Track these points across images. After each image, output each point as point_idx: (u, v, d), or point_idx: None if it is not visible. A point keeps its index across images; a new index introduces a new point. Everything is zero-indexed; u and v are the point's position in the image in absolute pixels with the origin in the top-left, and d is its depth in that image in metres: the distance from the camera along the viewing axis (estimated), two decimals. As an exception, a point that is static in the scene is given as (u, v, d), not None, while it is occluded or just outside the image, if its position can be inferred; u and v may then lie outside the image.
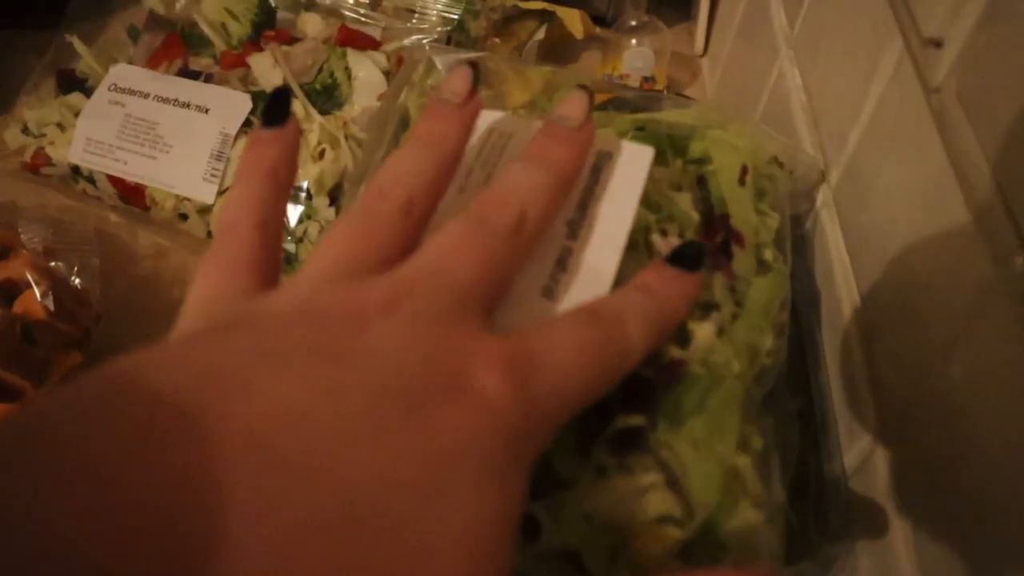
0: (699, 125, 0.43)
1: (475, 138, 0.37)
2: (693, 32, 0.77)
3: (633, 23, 0.67)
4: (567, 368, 0.21)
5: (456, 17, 0.59)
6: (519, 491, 0.19)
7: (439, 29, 0.59)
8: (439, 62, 0.48)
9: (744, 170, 0.39)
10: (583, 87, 0.29)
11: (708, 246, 0.33)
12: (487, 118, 0.37)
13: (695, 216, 0.36)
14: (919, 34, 0.31)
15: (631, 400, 0.30)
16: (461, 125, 0.27)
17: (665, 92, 0.59)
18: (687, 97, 0.62)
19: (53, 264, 0.47)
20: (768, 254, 0.37)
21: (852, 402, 0.38)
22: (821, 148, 0.45)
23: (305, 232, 0.53)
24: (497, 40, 0.67)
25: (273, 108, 0.26)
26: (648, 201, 0.36)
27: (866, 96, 0.40)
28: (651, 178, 0.38)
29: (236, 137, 0.53)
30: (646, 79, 0.68)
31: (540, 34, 0.68)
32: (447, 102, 0.27)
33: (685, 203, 0.37)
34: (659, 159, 0.40)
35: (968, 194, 0.29)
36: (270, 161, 0.25)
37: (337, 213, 0.53)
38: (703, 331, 0.33)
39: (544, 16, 0.69)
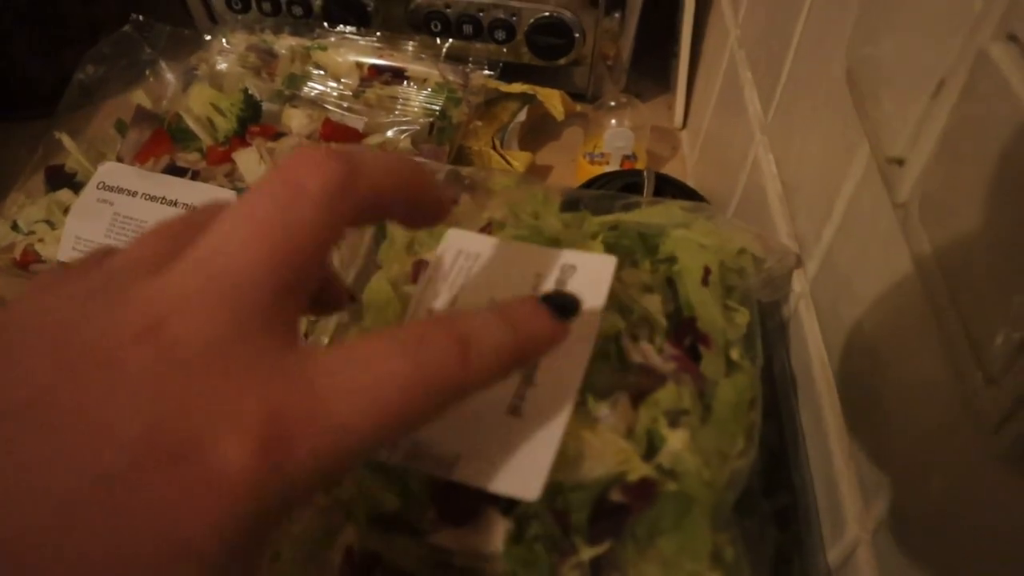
0: (667, 224, 0.44)
1: (445, 258, 0.38)
2: (672, 105, 0.79)
3: (612, 103, 0.69)
4: (355, 419, 0.18)
5: (438, 108, 0.61)
6: None
7: (421, 120, 0.60)
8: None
9: (707, 271, 0.40)
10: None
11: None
12: (455, 239, 0.38)
13: (663, 321, 0.37)
14: (883, 151, 0.32)
15: (602, 525, 0.30)
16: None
17: (645, 173, 0.60)
18: (667, 180, 0.63)
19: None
20: (736, 354, 0.38)
21: (834, 498, 0.39)
22: (797, 239, 0.46)
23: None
24: (479, 123, 0.68)
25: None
26: (619, 304, 0.37)
27: (838, 195, 0.41)
28: (621, 280, 0.39)
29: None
30: (627, 157, 0.69)
31: (522, 116, 0.70)
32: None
33: (654, 306, 0.38)
34: (631, 262, 0.41)
35: (932, 305, 0.30)
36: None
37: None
38: (675, 438, 0.33)
39: (525, 99, 0.70)
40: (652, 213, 0.46)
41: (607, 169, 0.69)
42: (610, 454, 0.31)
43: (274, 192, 0.20)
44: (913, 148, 0.31)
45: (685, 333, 0.37)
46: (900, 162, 0.31)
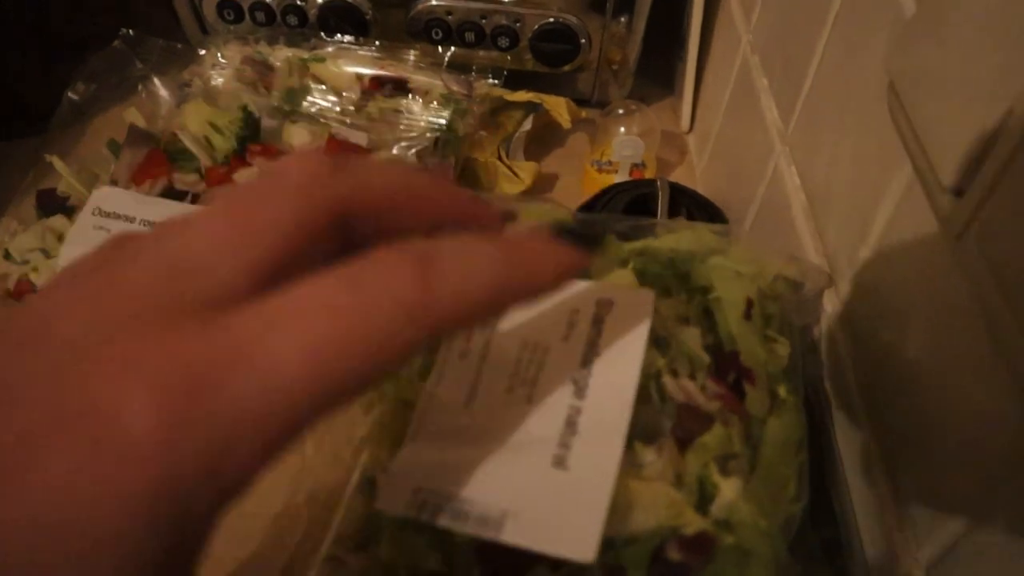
0: (699, 250, 0.42)
1: (510, 350, 0.34)
2: (678, 109, 0.77)
3: (620, 111, 0.67)
4: (285, 363, 0.16)
5: (444, 122, 0.59)
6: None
7: (428, 134, 0.58)
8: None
9: (750, 304, 0.38)
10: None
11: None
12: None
13: (705, 357, 0.35)
14: (938, 182, 0.31)
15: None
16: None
17: (659, 183, 0.58)
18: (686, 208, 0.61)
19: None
20: (782, 390, 0.36)
21: (878, 529, 0.37)
22: (827, 257, 0.45)
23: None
24: (484, 133, 0.66)
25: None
26: (655, 339, 0.35)
27: (875, 214, 0.39)
28: (656, 313, 0.37)
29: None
30: (636, 165, 0.67)
31: (527, 125, 0.68)
32: None
33: (693, 340, 0.36)
34: (663, 289, 0.39)
35: (994, 337, 0.28)
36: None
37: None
38: (728, 487, 0.31)
39: (530, 107, 0.68)
40: (682, 238, 0.44)
41: (616, 178, 0.67)
42: (662, 505, 0.30)
43: (256, 183, 0.19)
44: (973, 179, 0.29)
45: (728, 369, 0.35)
46: (958, 193, 0.30)
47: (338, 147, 0.56)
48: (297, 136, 0.57)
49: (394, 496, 0.29)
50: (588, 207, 0.61)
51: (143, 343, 0.16)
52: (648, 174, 0.68)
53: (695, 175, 0.72)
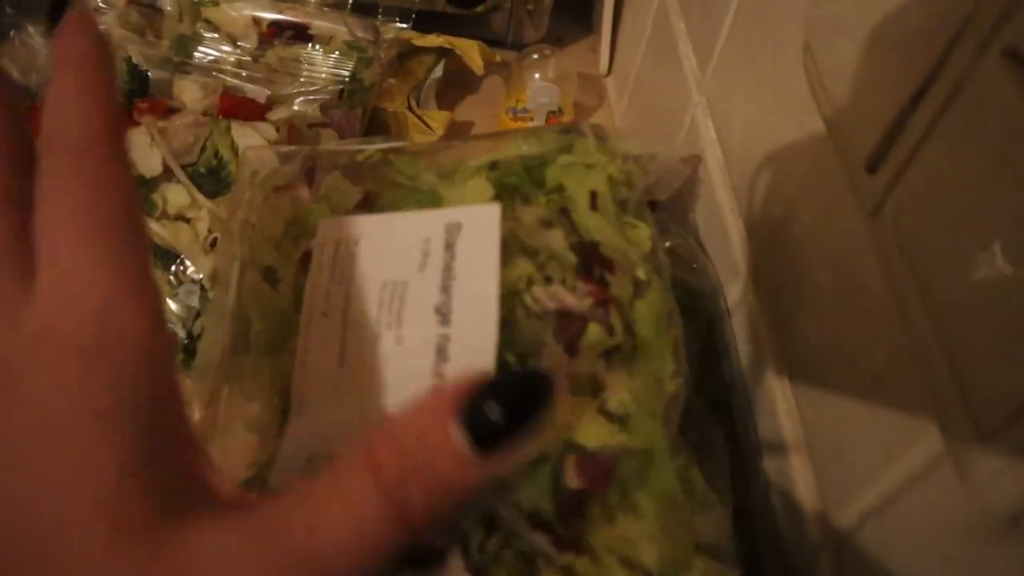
0: (547, 152, 0.41)
1: (323, 253, 0.35)
2: (596, 49, 0.75)
3: (535, 56, 0.64)
4: None
5: (347, 74, 0.55)
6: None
7: (331, 88, 0.55)
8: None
9: (593, 195, 0.38)
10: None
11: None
12: (328, 229, 0.36)
13: (571, 257, 0.35)
14: (853, 158, 0.30)
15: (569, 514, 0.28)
16: None
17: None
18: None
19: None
20: (642, 272, 0.36)
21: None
22: (742, 216, 0.44)
23: (203, 328, 0.48)
24: (392, 81, 0.63)
25: None
26: (524, 248, 0.35)
27: (790, 178, 0.38)
28: (519, 221, 0.37)
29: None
30: (552, 113, 0.65)
31: (438, 72, 0.65)
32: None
33: (559, 242, 0.36)
34: (521, 196, 0.38)
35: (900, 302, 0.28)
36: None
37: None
38: (616, 381, 0.32)
39: (441, 52, 0.65)
40: (528, 143, 0.43)
41: (532, 127, 0.65)
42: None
43: None
44: (887, 156, 0.28)
45: (592, 263, 0.35)
46: (872, 169, 0.29)
47: (233, 103, 0.52)
48: (188, 91, 0.53)
49: (289, 471, 0.29)
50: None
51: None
52: (565, 119, 0.66)
53: (614, 120, 0.70)
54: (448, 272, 0.32)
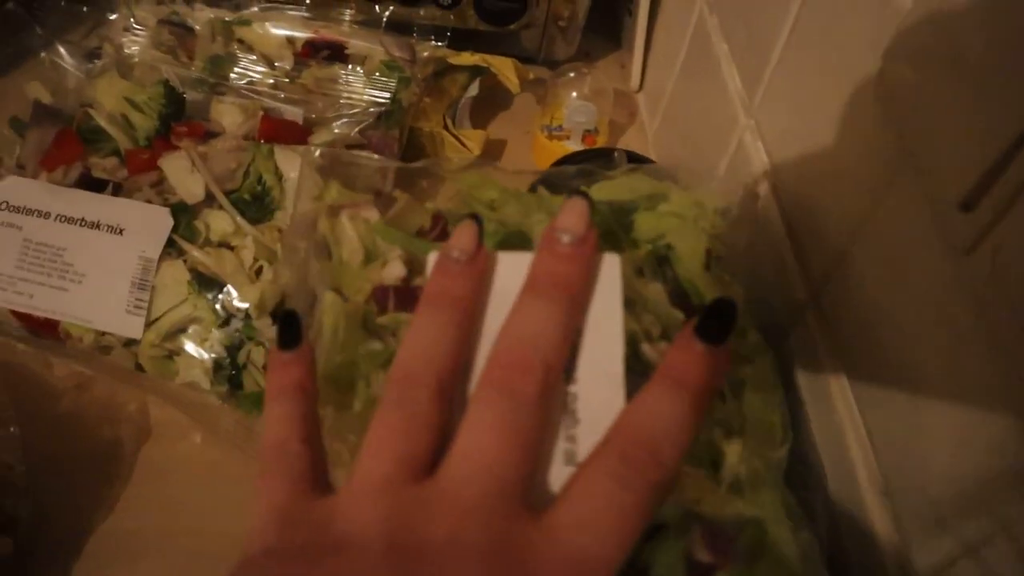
0: (637, 198, 0.41)
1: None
2: (627, 66, 0.74)
3: (572, 74, 0.64)
4: (610, 543, 0.22)
5: (388, 96, 0.54)
6: None
7: (371, 110, 0.54)
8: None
9: (709, 254, 0.38)
10: (582, 194, 0.28)
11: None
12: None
13: (677, 315, 0.34)
14: (942, 194, 0.29)
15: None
16: (474, 283, 0.27)
17: (616, 154, 0.56)
18: (633, 156, 0.58)
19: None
20: (751, 334, 0.37)
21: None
22: (801, 254, 0.43)
23: (249, 356, 0.47)
24: (427, 100, 0.62)
25: (287, 332, 0.28)
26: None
27: (864, 214, 0.37)
28: None
29: (160, 260, 0.47)
30: (588, 131, 0.64)
31: (473, 90, 0.64)
32: (456, 260, 0.27)
33: (660, 296, 0.36)
34: (610, 241, 0.38)
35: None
36: (296, 379, 0.27)
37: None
38: (732, 451, 0.32)
39: (476, 71, 0.64)
40: (618, 187, 0.42)
41: (568, 145, 0.64)
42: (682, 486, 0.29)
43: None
44: (987, 193, 0.27)
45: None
46: (967, 208, 0.28)
47: (274, 127, 0.51)
48: (228, 115, 0.52)
49: None
50: (540, 182, 0.58)
51: (521, 546, 0.22)
52: (600, 139, 0.65)
53: (647, 137, 0.70)
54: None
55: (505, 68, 0.64)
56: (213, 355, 0.47)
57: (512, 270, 0.31)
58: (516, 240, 0.39)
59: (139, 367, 0.48)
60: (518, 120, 0.69)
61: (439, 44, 0.61)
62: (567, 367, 0.31)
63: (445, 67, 0.63)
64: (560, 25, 0.68)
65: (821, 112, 0.41)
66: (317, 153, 0.42)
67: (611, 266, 0.31)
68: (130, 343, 0.48)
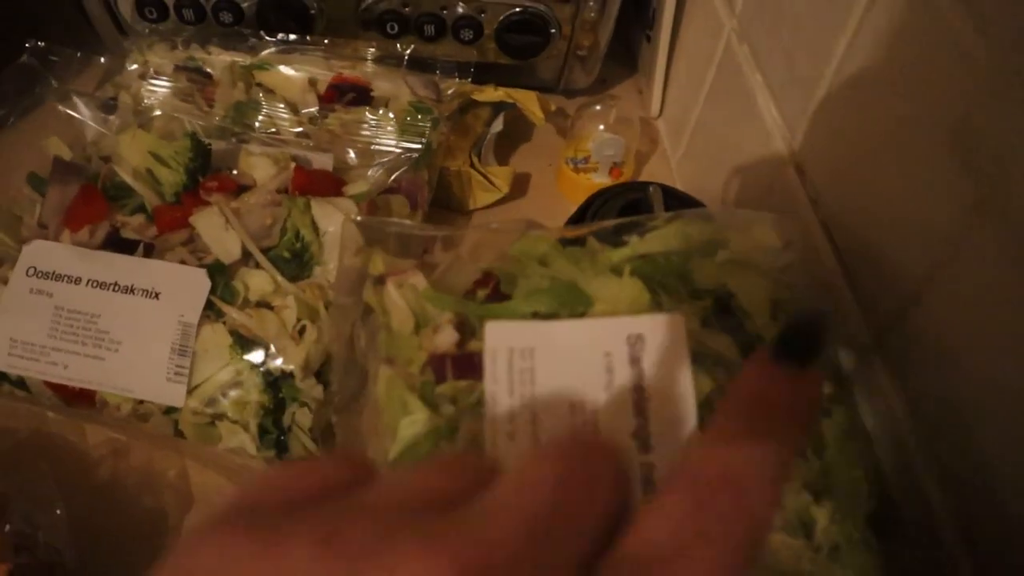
0: (690, 246, 0.40)
1: (496, 363, 0.33)
2: (644, 91, 0.73)
3: (598, 107, 0.63)
4: None
5: (422, 141, 0.53)
6: None
7: (404, 155, 0.53)
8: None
9: (775, 305, 0.37)
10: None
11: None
12: (498, 335, 0.34)
13: None
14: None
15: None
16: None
17: (651, 190, 0.55)
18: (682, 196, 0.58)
19: (7, 528, 0.39)
20: (827, 386, 0.35)
21: None
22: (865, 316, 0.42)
23: (294, 418, 0.46)
24: (452, 137, 0.61)
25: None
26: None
27: (925, 250, 0.37)
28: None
29: (199, 325, 0.45)
30: (615, 164, 0.63)
31: (498, 126, 0.63)
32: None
33: (729, 349, 0.35)
34: (670, 294, 0.37)
35: None
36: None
37: (325, 390, 0.46)
38: (822, 515, 0.30)
39: (500, 107, 0.63)
40: (669, 236, 0.42)
41: (595, 177, 0.63)
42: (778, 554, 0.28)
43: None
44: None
45: None
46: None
47: (308, 179, 0.49)
48: (259, 167, 0.51)
49: None
50: (575, 218, 0.57)
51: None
52: (627, 169, 0.64)
53: (670, 166, 0.69)
54: (640, 393, 0.30)
55: (529, 101, 0.63)
56: (257, 420, 0.46)
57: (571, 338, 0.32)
58: (569, 294, 0.38)
59: (178, 433, 0.47)
60: (540, 152, 0.68)
61: (463, 80, 0.60)
62: (640, 437, 0.30)
63: (467, 103, 0.62)
64: (579, 54, 0.67)
65: (880, 153, 0.40)
66: (357, 219, 0.41)
67: (675, 329, 0.32)
68: (170, 410, 0.46)
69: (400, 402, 0.36)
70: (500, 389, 0.33)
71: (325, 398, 0.46)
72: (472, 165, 0.61)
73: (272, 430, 0.46)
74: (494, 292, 0.42)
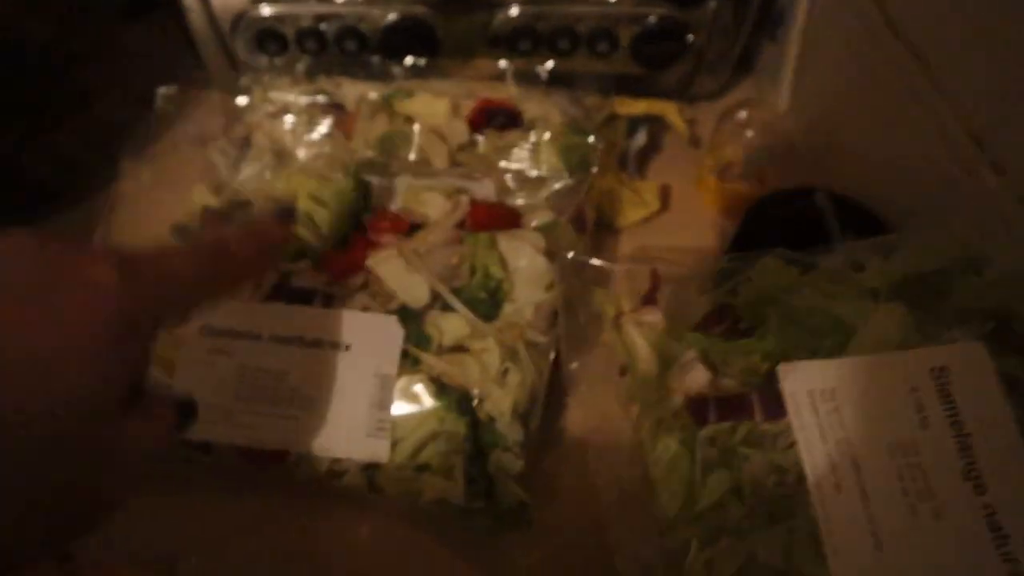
0: (949, 263, 0.38)
1: (800, 406, 0.33)
2: (771, 93, 0.70)
3: (743, 114, 0.60)
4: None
5: (584, 166, 0.50)
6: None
7: (566, 181, 0.50)
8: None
9: None
10: None
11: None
12: (796, 377, 0.33)
13: None
14: None
15: None
16: None
17: (818, 197, 0.52)
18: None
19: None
20: None
21: None
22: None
23: (500, 463, 0.43)
24: (598, 154, 0.58)
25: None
26: None
27: None
28: None
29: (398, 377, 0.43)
30: (760, 170, 0.60)
31: (642, 139, 0.60)
32: None
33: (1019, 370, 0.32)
34: (929, 313, 0.35)
35: None
36: None
37: (526, 433, 0.44)
38: None
39: (637, 119, 0.60)
40: (918, 255, 0.39)
41: (742, 187, 0.61)
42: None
43: None
44: None
45: None
46: None
47: (487, 214, 0.46)
48: (432, 204, 0.48)
49: None
50: (743, 232, 0.54)
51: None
52: (772, 175, 0.62)
53: (810, 167, 0.66)
54: (959, 427, 0.29)
55: (671, 112, 0.60)
56: (463, 468, 0.43)
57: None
58: (826, 324, 0.36)
59: (373, 488, 0.44)
60: (676, 162, 0.65)
61: (607, 95, 0.57)
62: (972, 476, 0.29)
63: (608, 116, 0.59)
64: (709, 59, 0.64)
65: None
66: (583, 258, 0.40)
67: (978, 357, 0.30)
68: (369, 466, 0.43)
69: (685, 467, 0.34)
70: (811, 436, 0.31)
71: (524, 440, 0.44)
72: (620, 181, 0.58)
73: (478, 478, 0.43)
74: (732, 327, 0.39)
